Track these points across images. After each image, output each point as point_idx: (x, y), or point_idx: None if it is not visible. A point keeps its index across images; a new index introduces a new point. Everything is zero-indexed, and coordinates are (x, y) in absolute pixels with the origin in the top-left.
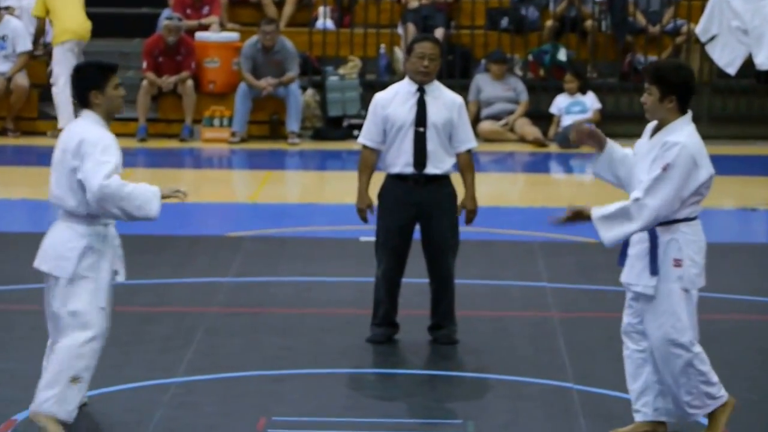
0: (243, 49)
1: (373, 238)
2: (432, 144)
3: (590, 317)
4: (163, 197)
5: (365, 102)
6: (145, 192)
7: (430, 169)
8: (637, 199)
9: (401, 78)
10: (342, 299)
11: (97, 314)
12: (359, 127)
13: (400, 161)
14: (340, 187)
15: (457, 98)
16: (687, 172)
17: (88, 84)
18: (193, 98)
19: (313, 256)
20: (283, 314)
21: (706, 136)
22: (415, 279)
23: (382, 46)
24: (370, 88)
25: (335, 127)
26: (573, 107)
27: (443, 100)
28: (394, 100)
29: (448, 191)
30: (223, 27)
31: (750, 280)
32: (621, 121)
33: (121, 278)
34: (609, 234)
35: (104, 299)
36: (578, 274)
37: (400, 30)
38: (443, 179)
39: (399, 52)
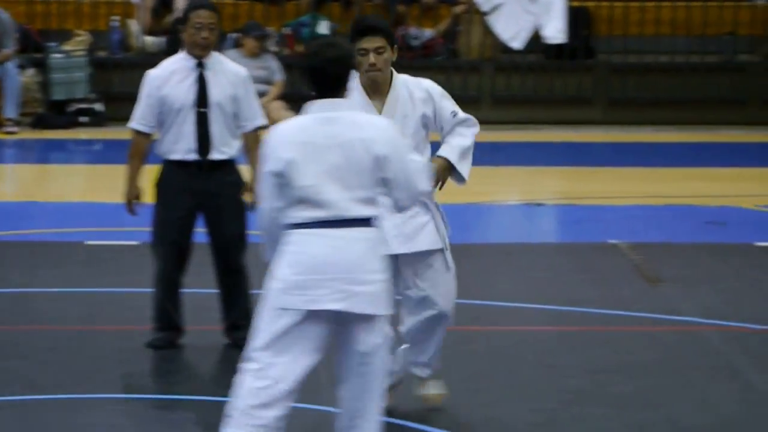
0: None
1: (102, 242)
2: (216, 126)
3: None
4: None
5: (95, 83)
6: None
7: (215, 154)
8: None
9: (137, 55)
10: (68, 313)
11: None
12: (87, 112)
13: (181, 147)
14: (65, 183)
15: (242, 71)
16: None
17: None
18: None
19: (32, 264)
20: None
21: (486, 121)
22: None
23: (115, 18)
24: (100, 67)
25: (60, 112)
26: None
27: (226, 75)
28: (171, 79)
29: (234, 179)
30: None
31: (535, 285)
32: None
33: None
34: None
35: None
36: None
37: None
38: (229, 165)
39: (134, 25)
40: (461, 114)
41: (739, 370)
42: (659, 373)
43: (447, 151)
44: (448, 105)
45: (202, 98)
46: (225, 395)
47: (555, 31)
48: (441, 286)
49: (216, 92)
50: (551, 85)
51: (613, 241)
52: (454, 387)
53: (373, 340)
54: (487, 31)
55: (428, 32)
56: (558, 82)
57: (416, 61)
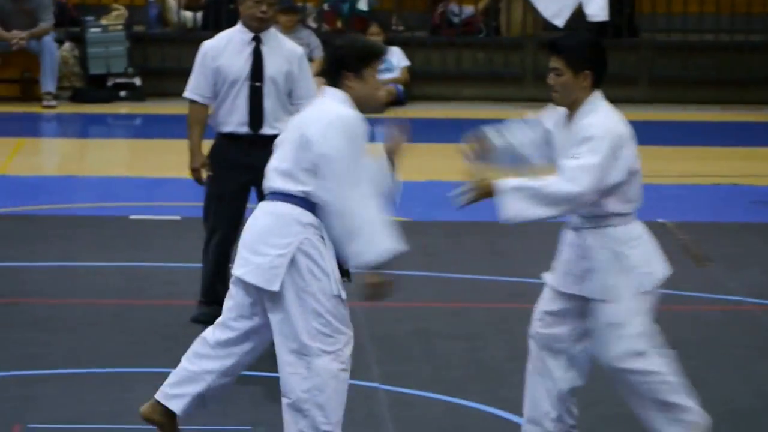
0: None
1: (144, 216)
2: (269, 101)
3: (398, 308)
4: None
5: (132, 58)
6: None
7: (267, 129)
8: None
9: (174, 30)
10: (109, 287)
11: None
12: (125, 86)
13: (234, 119)
14: (105, 157)
15: (297, 49)
16: None
17: None
18: None
19: (74, 238)
20: (40, 305)
21: (530, 99)
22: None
23: None
24: (138, 41)
25: (98, 87)
26: None
27: (282, 51)
28: (226, 50)
29: None
30: None
31: None
32: (432, 81)
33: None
34: None
35: None
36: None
37: None
38: None
39: (171, 0)
40: (572, 162)
41: None
42: (706, 352)
43: (512, 180)
44: (580, 149)
45: (256, 72)
46: (270, 370)
47: (598, 9)
48: (602, 339)
49: (271, 67)
50: None
51: (661, 220)
52: (498, 364)
53: (271, 316)
54: (528, 8)
55: (469, 9)
56: None
57: (457, 38)
